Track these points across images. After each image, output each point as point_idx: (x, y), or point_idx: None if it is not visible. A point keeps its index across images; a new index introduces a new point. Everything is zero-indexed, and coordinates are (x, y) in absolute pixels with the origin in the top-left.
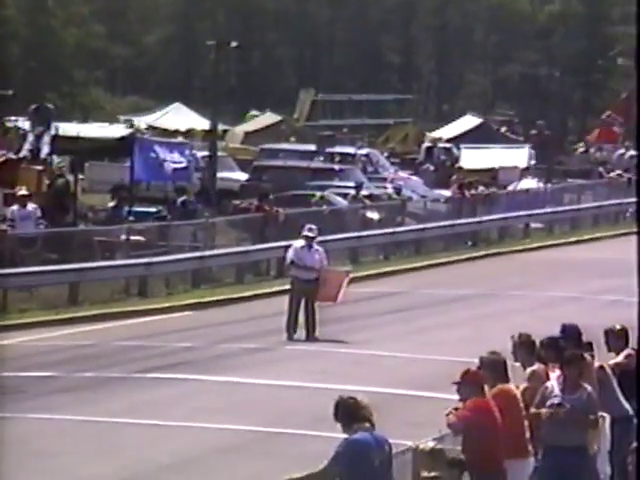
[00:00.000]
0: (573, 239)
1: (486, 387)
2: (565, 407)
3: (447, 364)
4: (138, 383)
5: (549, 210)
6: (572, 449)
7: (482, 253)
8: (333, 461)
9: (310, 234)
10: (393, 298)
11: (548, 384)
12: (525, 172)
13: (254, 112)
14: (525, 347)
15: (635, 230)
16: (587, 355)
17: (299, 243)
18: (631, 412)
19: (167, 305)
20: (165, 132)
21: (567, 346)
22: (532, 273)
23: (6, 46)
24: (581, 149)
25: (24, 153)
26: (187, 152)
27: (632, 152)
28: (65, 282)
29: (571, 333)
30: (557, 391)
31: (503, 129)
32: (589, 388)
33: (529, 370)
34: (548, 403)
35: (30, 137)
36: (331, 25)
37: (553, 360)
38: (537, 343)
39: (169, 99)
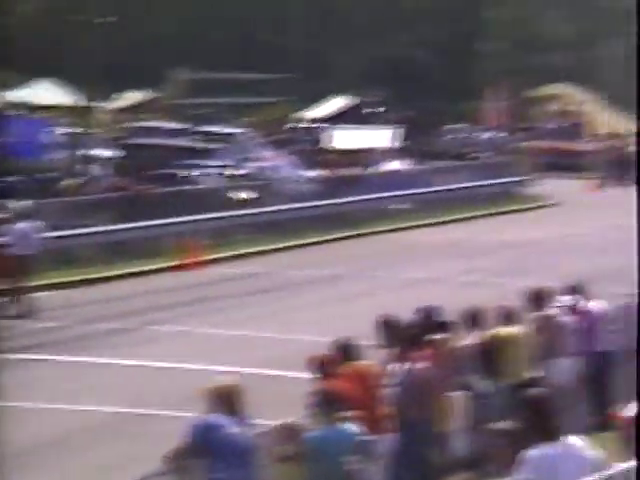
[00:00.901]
0: (441, 220)
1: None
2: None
3: (314, 344)
4: (1, 364)
5: (417, 191)
6: (415, 423)
7: (349, 234)
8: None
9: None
10: (260, 278)
11: (392, 365)
12: (393, 153)
13: (128, 90)
14: (387, 328)
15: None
16: (442, 335)
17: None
18: (485, 389)
19: (32, 285)
20: (32, 108)
21: (418, 327)
22: (398, 254)
23: None
24: (453, 131)
25: None
26: (47, 128)
27: (502, 134)
28: None
29: (425, 314)
30: (399, 370)
31: (375, 110)
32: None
33: (391, 350)
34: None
35: None
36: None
37: (404, 341)
38: (400, 324)
39: (41, 74)
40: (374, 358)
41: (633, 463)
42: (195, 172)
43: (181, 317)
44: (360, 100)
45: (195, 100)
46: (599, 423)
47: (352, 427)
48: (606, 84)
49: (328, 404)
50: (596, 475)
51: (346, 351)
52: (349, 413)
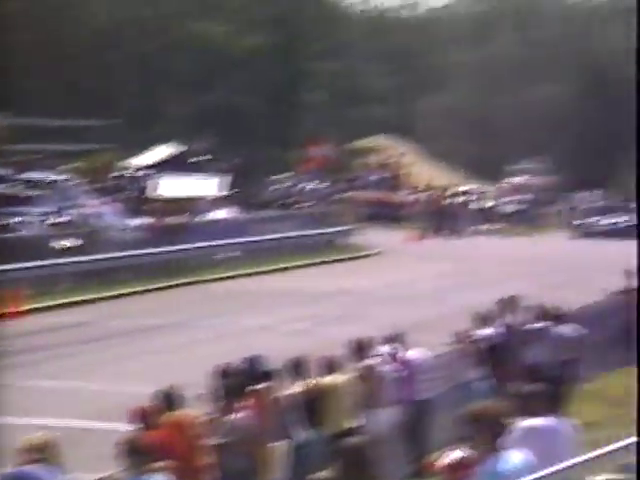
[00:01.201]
0: (268, 269)
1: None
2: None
3: (139, 395)
4: None
5: (244, 240)
6: (237, 473)
7: (176, 282)
8: None
9: None
10: (84, 328)
11: (216, 415)
12: (220, 202)
13: None
14: (212, 377)
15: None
16: (265, 385)
17: None
18: (307, 439)
19: None
20: None
21: (242, 376)
22: (225, 303)
23: None
24: (278, 181)
25: None
26: None
27: (326, 184)
28: None
29: (249, 364)
30: (222, 420)
31: (201, 158)
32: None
33: (216, 400)
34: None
35: None
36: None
37: (229, 390)
38: (225, 373)
39: None
40: (199, 408)
41: (633, 439)
42: (16, 219)
43: (1, 369)
44: (186, 148)
45: (16, 147)
46: (416, 471)
47: (161, 478)
48: (425, 137)
49: (137, 454)
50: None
51: (169, 401)
52: (163, 463)
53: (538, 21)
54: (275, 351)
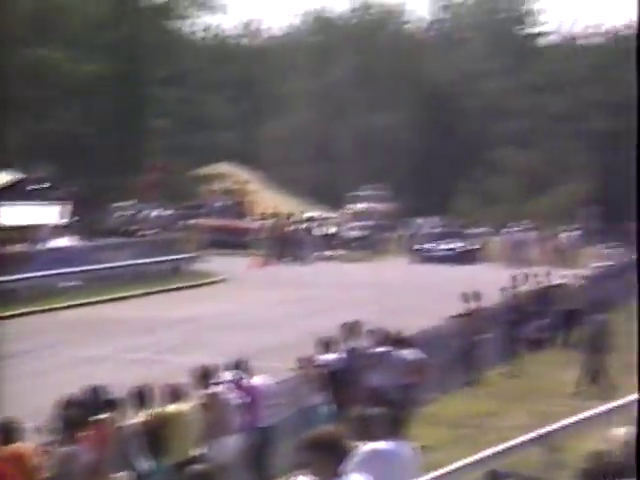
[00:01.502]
0: (111, 297)
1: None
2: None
3: None
4: None
5: (86, 268)
6: None
7: (15, 312)
8: None
9: None
10: None
11: (57, 446)
12: (61, 230)
13: None
14: (54, 408)
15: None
16: (107, 415)
17: None
18: (149, 469)
19: None
20: None
21: (84, 407)
22: (67, 332)
23: None
24: (121, 208)
25: None
26: None
27: (170, 211)
28: None
29: (91, 393)
30: (63, 451)
31: (40, 186)
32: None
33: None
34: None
35: None
36: None
37: (70, 421)
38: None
39: None
40: (38, 439)
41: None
42: None
43: None
44: (26, 176)
45: None
46: None
47: None
48: (269, 164)
49: None
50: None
51: (5, 433)
52: None
53: (377, 51)
54: (118, 380)
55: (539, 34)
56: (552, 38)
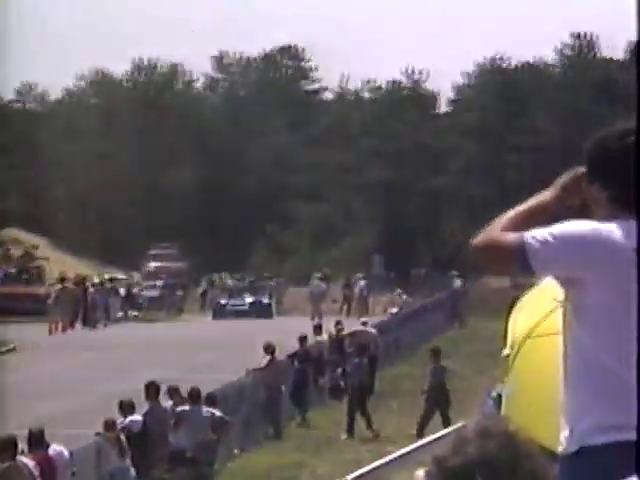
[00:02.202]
0: None
1: None
2: None
3: None
4: None
5: None
6: None
7: None
8: None
9: None
10: None
11: None
12: None
13: None
14: None
15: None
16: None
17: None
18: None
19: None
20: None
21: None
22: None
23: None
24: None
25: None
26: None
27: None
28: None
29: None
30: None
31: None
32: None
33: None
34: None
35: None
36: None
37: None
38: None
39: None
40: None
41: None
42: None
43: None
44: None
45: None
46: None
47: None
48: (56, 228)
49: None
50: None
51: None
52: None
53: (163, 110)
54: None
55: (318, 90)
56: (328, 94)
